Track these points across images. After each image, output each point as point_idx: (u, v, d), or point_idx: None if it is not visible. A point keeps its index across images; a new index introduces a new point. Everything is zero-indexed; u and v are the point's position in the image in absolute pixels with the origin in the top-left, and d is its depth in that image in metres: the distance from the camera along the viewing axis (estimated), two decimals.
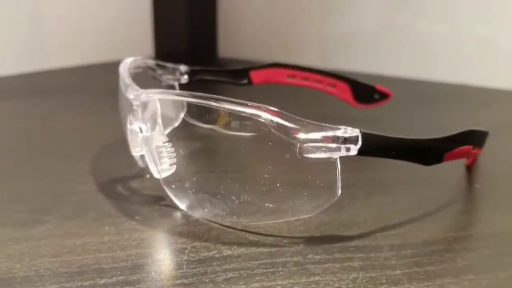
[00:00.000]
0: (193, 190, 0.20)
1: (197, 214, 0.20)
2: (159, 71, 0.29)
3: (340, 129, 0.18)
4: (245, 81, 0.32)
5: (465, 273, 0.17)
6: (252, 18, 0.61)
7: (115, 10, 0.57)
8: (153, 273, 0.16)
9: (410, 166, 0.23)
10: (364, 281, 0.16)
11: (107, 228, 0.19)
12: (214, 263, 0.17)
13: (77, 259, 0.17)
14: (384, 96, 0.34)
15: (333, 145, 0.18)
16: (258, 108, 0.18)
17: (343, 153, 0.18)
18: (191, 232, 0.19)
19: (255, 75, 0.33)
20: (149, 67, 0.29)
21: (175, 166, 0.21)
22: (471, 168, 0.26)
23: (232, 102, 0.18)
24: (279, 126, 0.17)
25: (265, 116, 0.17)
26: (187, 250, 0.18)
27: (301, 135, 0.17)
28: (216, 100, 0.18)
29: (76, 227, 0.19)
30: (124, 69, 0.24)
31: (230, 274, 0.17)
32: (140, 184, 0.24)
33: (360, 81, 0.34)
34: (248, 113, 0.18)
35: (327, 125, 0.18)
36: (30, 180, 0.24)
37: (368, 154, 0.18)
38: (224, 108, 0.18)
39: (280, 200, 0.19)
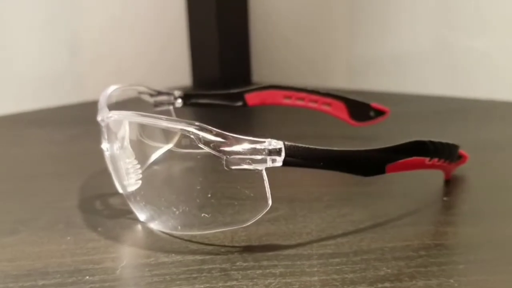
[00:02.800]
0: (144, 203, 0.22)
1: (153, 225, 0.22)
2: (154, 97, 0.32)
3: (265, 141, 0.19)
4: (240, 103, 0.34)
5: (382, 281, 0.17)
6: (282, 44, 0.62)
7: (154, 43, 0.61)
8: (87, 277, 0.18)
9: (381, 179, 0.24)
10: (277, 286, 0.17)
11: (68, 238, 0.21)
12: (146, 269, 0.18)
13: (29, 264, 0.19)
14: (380, 113, 0.34)
15: (258, 157, 0.19)
16: (187, 124, 0.19)
17: (269, 164, 0.19)
18: (140, 242, 0.21)
19: (250, 98, 0.34)
20: (144, 93, 0.31)
21: (140, 182, 0.23)
22: (454, 181, 0.26)
23: (167, 120, 0.19)
24: (206, 140, 0.19)
25: (193, 131, 0.19)
26: (127, 258, 0.19)
27: (227, 148, 0.19)
28: (154, 118, 0.20)
29: (43, 237, 0.21)
30: (104, 95, 0.26)
31: (155, 279, 0.18)
32: (118, 200, 0.25)
33: (355, 99, 0.34)
34: (177, 128, 0.19)
35: (251, 138, 0.19)
36: (23, 195, 0.27)
37: (294, 165, 0.19)
38: (159, 125, 0.19)
39: (214, 211, 0.20)
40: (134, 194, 0.22)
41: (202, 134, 0.19)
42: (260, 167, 0.19)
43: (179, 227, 0.21)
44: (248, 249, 0.20)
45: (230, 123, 0.41)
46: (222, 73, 0.62)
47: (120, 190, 0.23)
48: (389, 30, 0.53)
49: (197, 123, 0.19)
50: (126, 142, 0.23)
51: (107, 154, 0.23)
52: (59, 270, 0.19)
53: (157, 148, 0.24)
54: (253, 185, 0.20)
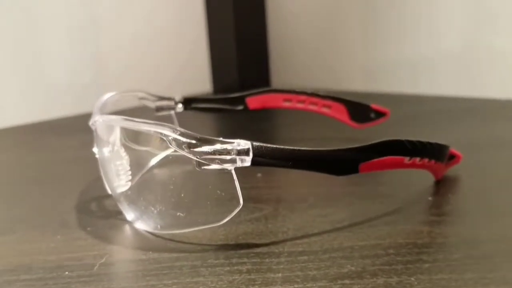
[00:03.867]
0: (130, 203, 0.23)
1: (138, 225, 0.23)
2: (155, 102, 0.33)
3: (234, 142, 0.19)
4: (241, 107, 0.35)
5: (342, 278, 0.17)
6: (300, 49, 0.63)
7: (175, 52, 0.63)
8: (66, 272, 0.19)
9: (371, 180, 0.24)
10: (240, 282, 0.17)
11: (58, 237, 0.22)
12: (122, 265, 0.19)
13: (17, 260, 0.20)
14: (380, 114, 0.34)
15: (228, 157, 0.19)
16: (162, 127, 0.20)
17: (238, 164, 0.19)
18: (124, 241, 0.22)
19: (251, 101, 0.35)
20: (145, 99, 0.33)
21: (130, 183, 0.24)
22: (444, 182, 0.25)
23: (144, 123, 0.20)
24: (178, 142, 0.19)
25: (165, 133, 0.20)
26: (107, 255, 0.20)
27: (197, 149, 0.19)
28: (131, 121, 0.21)
29: (36, 236, 0.23)
30: (99, 101, 0.27)
31: (129, 274, 0.19)
32: (112, 201, 0.26)
33: (355, 101, 0.34)
34: (152, 131, 0.20)
35: (220, 139, 0.19)
36: (26, 198, 0.28)
37: (263, 164, 0.19)
38: (136, 128, 0.20)
39: (190, 211, 0.20)
40: (122, 195, 0.23)
41: (174, 136, 0.19)
42: (230, 167, 0.19)
43: (159, 227, 0.21)
44: (223, 247, 0.20)
45: (235, 129, 0.42)
46: (241, 79, 0.63)
47: (109, 192, 0.24)
48: (404, 34, 0.53)
49: (171, 126, 0.20)
50: (117, 146, 0.24)
51: (97, 157, 0.24)
52: (43, 266, 0.20)
53: (144, 151, 0.25)
54: (232, 185, 0.20)
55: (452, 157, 0.27)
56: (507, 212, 0.22)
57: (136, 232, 0.22)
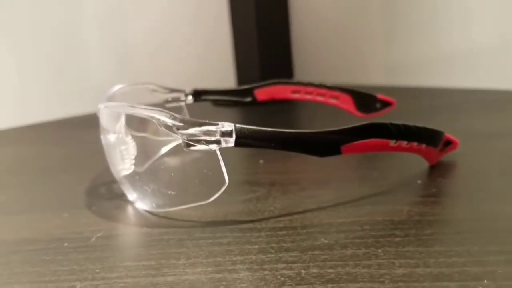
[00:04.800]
0: (130, 185, 0.24)
1: (138, 205, 0.24)
2: (167, 94, 0.34)
3: (218, 124, 0.20)
4: (249, 99, 0.36)
5: (313, 249, 0.18)
6: (322, 45, 0.63)
7: (201, 48, 0.65)
8: (66, 244, 0.21)
9: (365, 165, 0.24)
10: (218, 252, 0.19)
11: (65, 215, 0.24)
12: (116, 239, 0.21)
13: (26, 234, 0.22)
14: (386, 104, 0.34)
15: (213, 138, 0.20)
16: (152, 111, 0.21)
17: (223, 145, 0.20)
18: (123, 218, 0.23)
19: (260, 93, 0.36)
20: (156, 91, 0.34)
21: (133, 166, 0.25)
22: (439, 167, 0.26)
23: (136, 108, 0.22)
24: (166, 125, 0.21)
25: (155, 116, 0.21)
26: (104, 230, 0.22)
27: (184, 131, 0.21)
28: (127, 107, 0.22)
29: (47, 215, 0.24)
30: (108, 92, 0.29)
31: (120, 246, 0.20)
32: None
33: (361, 91, 0.35)
34: (144, 114, 0.21)
35: (206, 121, 0.21)
36: (44, 185, 0.30)
37: (246, 145, 0.21)
38: (130, 113, 0.22)
39: (180, 190, 0.22)
40: (124, 178, 0.25)
41: (163, 118, 0.21)
42: (214, 147, 0.20)
43: (154, 205, 0.23)
44: (210, 224, 0.21)
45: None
46: (263, 73, 0.64)
47: (115, 175, 0.25)
48: (424, 30, 0.53)
49: (161, 110, 0.21)
50: (122, 132, 0.26)
51: (103, 142, 0.26)
52: (47, 239, 0.21)
53: (146, 137, 0.26)
54: (204, 164, 0.21)
55: (449, 143, 0.27)
56: (493, 196, 0.22)
57: (136, 211, 0.24)
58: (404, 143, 0.23)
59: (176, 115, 0.21)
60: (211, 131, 0.20)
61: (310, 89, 0.36)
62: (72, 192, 0.28)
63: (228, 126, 0.20)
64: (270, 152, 0.22)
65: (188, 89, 0.35)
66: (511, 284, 0.15)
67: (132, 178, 0.24)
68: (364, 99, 0.35)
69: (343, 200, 0.23)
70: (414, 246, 0.18)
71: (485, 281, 0.15)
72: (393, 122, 0.22)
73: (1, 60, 0.51)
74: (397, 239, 0.18)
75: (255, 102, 0.36)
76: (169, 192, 0.22)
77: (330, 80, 0.61)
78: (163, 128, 0.21)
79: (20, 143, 0.43)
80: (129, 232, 0.21)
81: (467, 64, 0.51)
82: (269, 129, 0.20)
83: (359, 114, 0.35)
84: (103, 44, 0.57)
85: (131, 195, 0.25)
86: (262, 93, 0.36)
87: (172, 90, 0.35)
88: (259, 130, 0.20)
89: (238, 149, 0.21)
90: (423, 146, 0.24)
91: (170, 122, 0.21)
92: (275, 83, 0.36)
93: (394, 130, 0.23)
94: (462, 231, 0.19)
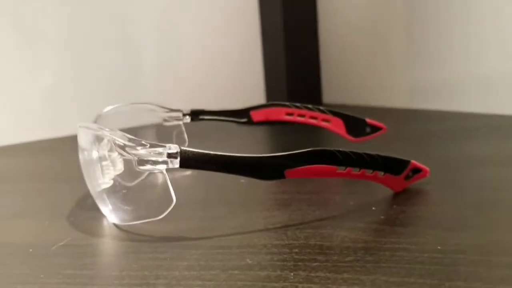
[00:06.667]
0: (99, 199, 0.26)
1: (109, 218, 0.26)
2: (165, 114, 0.36)
3: (165, 146, 0.22)
4: (245, 119, 0.37)
5: (233, 269, 0.19)
6: (350, 68, 0.64)
7: (235, 70, 0.67)
8: (30, 250, 0.23)
9: (330, 189, 0.25)
10: (144, 267, 0.20)
11: (46, 223, 0.27)
12: (72, 248, 0.23)
13: (3, 238, 0.25)
14: (376, 129, 0.35)
15: (160, 159, 0.22)
16: (109, 131, 0.23)
17: (169, 166, 0.22)
18: (91, 230, 0.25)
19: (255, 114, 0.37)
20: (156, 111, 0.36)
21: (112, 181, 0.27)
22: (405, 194, 0.26)
23: (98, 129, 0.24)
24: (120, 145, 0.22)
25: (110, 137, 0.23)
26: (68, 239, 0.24)
27: (135, 152, 0.22)
28: (88, 129, 0.24)
29: (29, 222, 0.27)
30: (97, 113, 0.31)
31: (72, 255, 0.22)
32: None
33: (352, 115, 0.35)
34: (101, 135, 0.23)
35: (154, 143, 0.22)
36: (45, 194, 0.33)
37: (191, 167, 0.22)
38: (91, 133, 0.24)
39: (134, 205, 0.23)
40: (96, 193, 0.27)
41: (117, 139, 0.23)
42: (161, 168, 0.22)
43: (118, 219, 0.25)
44: (161, 239, 0.23)
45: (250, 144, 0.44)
46: (291, 90, 0.65)
47: (90, 190, 0.27)
48: (451, 52, 0.52)
49: (116, 131, 0.23)
50: (103, 149, 0.28)
51: (83, 158, 0.28)
52: (18, 244, 0.24)
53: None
54: (155, 183, 0.23)
55: (418, 171, 0.27)
56: (435, 227, 0.22)
57: (105, 223, 0.26)
58: (355, 170, 0.24)
59: (130, 137, 0.23)
60: (159, 152, 0.22)
61: (303, 111, 0.36)
62: (62, 202, 0.30)
63: (174, 148, 0.22)
64: None
65: (186, 109, 0.37)
66: None
67: (103, 193, 0.26)
68: (354, 123, 0.35)
69: (291, 223, 0.23)
70: (326, 272, 0.18)
71: None
72: (341, 149, 0.23)
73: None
74: (315, 264, 0.19)
75: (251, 123, 0.37)
76: (128, 207, 0.24)
77: (357, 102, 0.61)
78: (116, 148, 0.23)
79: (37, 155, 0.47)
80: (87, 243, 0.23)
81: (485, 89, 0.49)
82: (213, 152, 0.22)
83: (349, 138, 0.35)
84: (138, 61, 0.60)
85: (103, 209, 0.26)
86: (258, 114, 0.37)
87: (171, 110, 0.37)
88: (202, 153, 0.22)
89: None
90: (379, 173, 0.25)
91: (123, 142, 0.22)
92: (270, 105, 0.37)
93: (341, 157, 0.23)
94: (380, 260, 0.19)
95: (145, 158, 0.22)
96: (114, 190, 0.26)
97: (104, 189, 0.26)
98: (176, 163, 0.22)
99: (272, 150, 0.42)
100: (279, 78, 0.66)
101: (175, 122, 0.37)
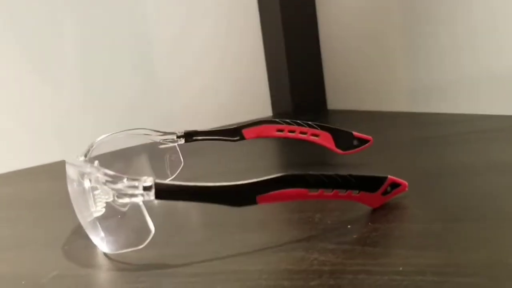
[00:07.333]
0: (90, 229, 0.27)
1: (100, 247, 0.27)
2: (160, 137, 0.38)
3: (140, 180, 0.23)
4: (237, 137, 0.38)
5: None
6: (352, 75, 0.64)
7: (240, 86, 0.68)
8: (23, 282, 0.24)
9: (312, 208, 0.25)
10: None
11: (42, 252, 0.28)
12: (61, 278, 0.24)
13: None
14: (363, 141, 0.35)
15: (136, 192, 0.23)
16: (89, 167, 0.24)
17: (145, 198, 0.23)
18: (82, 259, 0.26)
19: (247, 132, 0.38)
20: (150, 135, 0.38)
21: (104, 209, 0.29)
22: (384, 210, 0.26)
23: (81, 165, 0.25)
24: (97, 180, 0.24)
25: (90, 172, 0.24)
26: (58, 270, 0.25)
27: (113, 186, 0.23)
28: (73, 165, 0.26)
29: (28, 250, 0.29)
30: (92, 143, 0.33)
31: (57, 286, 0.23)
32: None
33: (339, 129, 0.36)
34: (82, 171, 0.24)
35: (131, 177, 0.23)
36: (43, 222, 0.34)
37: (166, 198, 0.23)
38: (73, 169, 0.25)
39: (120, 233, 0.25)
40: (88, 223, 0.28)
41: (96, 174, 0.24)
42: (138, 200, 0.23)
43: (106, 248, 0.26)
44: (144, 267, 0.24)
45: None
46: (296, 102, 0.66)
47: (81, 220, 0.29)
48: (447, 56, 0.52)
49: (96, 166, 0.24)
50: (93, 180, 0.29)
51: (72, 189, 0.29)
52: (12, 275, 0.25)
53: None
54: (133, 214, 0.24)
55: (397, 186, 0.28)
56: (406, 247, 0.22)
57: (96, 252, 0.27)
58: (327, 191, 0.24)
59: (107, 172, 0.24)
60: (135, 186, 0.23)
61: (293, 127, 0.37)
62: (58, 230, 0.31)
63: (149, 181, 0.23)
64: None
65: (179, 132, 0.38)
66: None
67: (95, 221, 0.28)
68: (342, 136, 0.36)
69: (267, 245, 0.24)
70: None
71: None
72: (311, 172, 0.24)
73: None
74: None
75: (243, 140, 0.38)
76: (114, 236, 0.25)
77: (362, 107, 0.61)
78: (95, 183, 0.24)
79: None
80: (76, 274, 0.24)
81: (492, 90, 0.49)
82: (185, 183, 0.23)
83: (338, 151, 0.36)
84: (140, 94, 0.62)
85: (94, 238, 0.28)
86: (250, 132, 0.38)
87: (165, 133, 0.38)
88: (175, 185, 0.23)
89: None
90: (352, 192, 0.25)
91: (101, 177, 0.24)
92: (260, 122, 0.38)
93: (311, 180, 0.24)
94: (341, 285, 0.19)
95: (123, 192, 0.23)
96: (105, 218, 0.27)
97: (96, 218, 0.27)
98: (151, 195, 0.23)
99: (268, 162, 0.44)
100: (283, 89, 0.67)
101: (170, 145, 0.38)
